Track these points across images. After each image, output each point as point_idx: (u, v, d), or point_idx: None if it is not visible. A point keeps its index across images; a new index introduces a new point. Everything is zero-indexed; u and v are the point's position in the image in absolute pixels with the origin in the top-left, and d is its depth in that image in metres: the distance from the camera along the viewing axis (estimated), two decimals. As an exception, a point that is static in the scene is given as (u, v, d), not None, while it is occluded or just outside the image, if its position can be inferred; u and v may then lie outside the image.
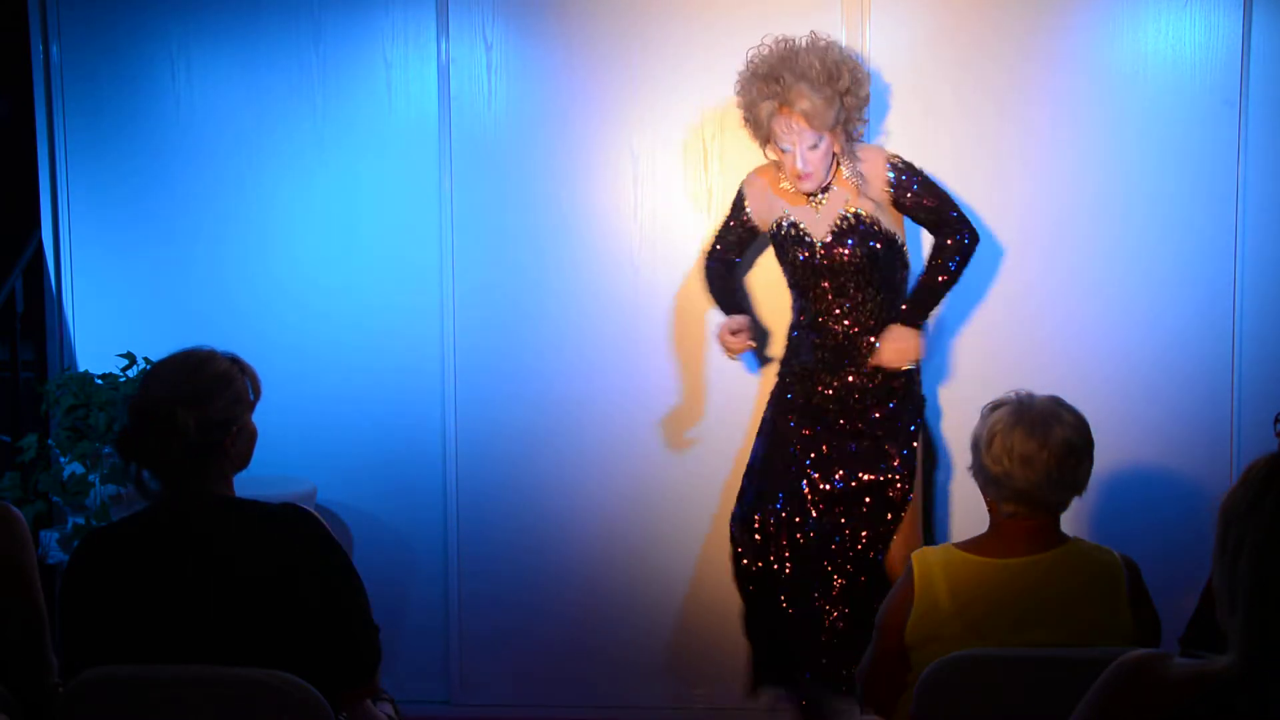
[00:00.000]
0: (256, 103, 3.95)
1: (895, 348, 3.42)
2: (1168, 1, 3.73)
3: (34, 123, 4.01)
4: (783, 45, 3.38)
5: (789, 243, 3.46)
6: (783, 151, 3.37)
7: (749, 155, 3.85)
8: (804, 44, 3.38)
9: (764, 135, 3.41)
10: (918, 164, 3.45)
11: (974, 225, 3.46)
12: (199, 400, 2.18)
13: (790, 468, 3.47)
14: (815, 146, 3.34)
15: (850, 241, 3.39)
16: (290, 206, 3.96)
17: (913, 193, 3.40)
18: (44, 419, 3.91)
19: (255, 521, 2.19)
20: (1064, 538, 2.36)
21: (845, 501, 3.44)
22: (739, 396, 3.87)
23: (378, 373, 3.96)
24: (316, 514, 2.23)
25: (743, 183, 3.59)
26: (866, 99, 3.44)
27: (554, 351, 3.87)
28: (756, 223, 3.56)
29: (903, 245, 3.49)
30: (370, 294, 3.95)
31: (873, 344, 3.43)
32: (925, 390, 3.71)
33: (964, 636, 2.26)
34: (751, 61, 3.40)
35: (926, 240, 3.60)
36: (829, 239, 3.41)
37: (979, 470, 2.36)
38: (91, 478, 3.60)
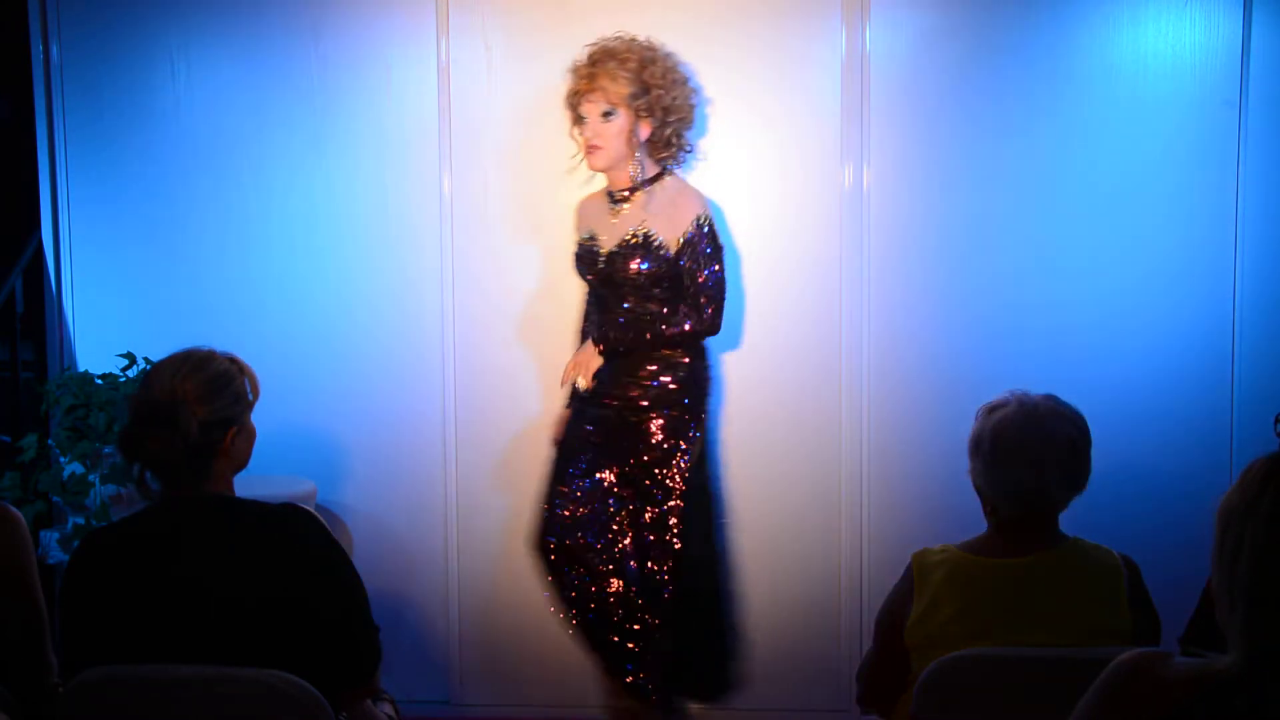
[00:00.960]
0: (256, 103, 3.95)
1: (573, 361, 3.51)
2: (1168, 1, 3.73)
3: (34, 123, 4.01)
4: (615, 37, 3.48)
5: (584, 252, 3.53)
6: (581, 123, 3.46)
7: (747, 153, 3.87)
8: (644, 41, 3.48)
9: (575, 116, 3.50)
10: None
11: (714, 322, 3.44)
12: (201, 400, 2.19)
13: (574, 477, 3.52)
14: (608, 116, 3.41)
15: (637, 258, 3.43)
16: (290, 206, 3.96)
17: (693, 257, 3.42)
18: (44, 419, 3.91)
19: (255, 521, 2.19)
20: (1064, 537, 2.36)
21: (626, 507, 3.49)
22: (723, 400, 3.87)
23: (378, 373, 3.96)
24: (316, 514, 2.24)
25: (575, 213, 3.67)
26: (683, 110, 3.49)
27: (554, 351, 3.86)
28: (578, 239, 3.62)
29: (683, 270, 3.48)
30: (370, 294, 3.95)
31: (655, 357, 3.46)
32: (926, 386, 3.72)
33: (964, 636, 2.26)
34: (578, 58, 3.50)
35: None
36: (615, 250, 3.46)
37: (981, 471, 2.36)
38: (91, 478, 3.60)
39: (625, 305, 3.48)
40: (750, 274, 3.86)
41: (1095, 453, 2.39)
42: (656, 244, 3.44)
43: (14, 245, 4.08)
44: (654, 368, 3.47)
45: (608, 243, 3.49)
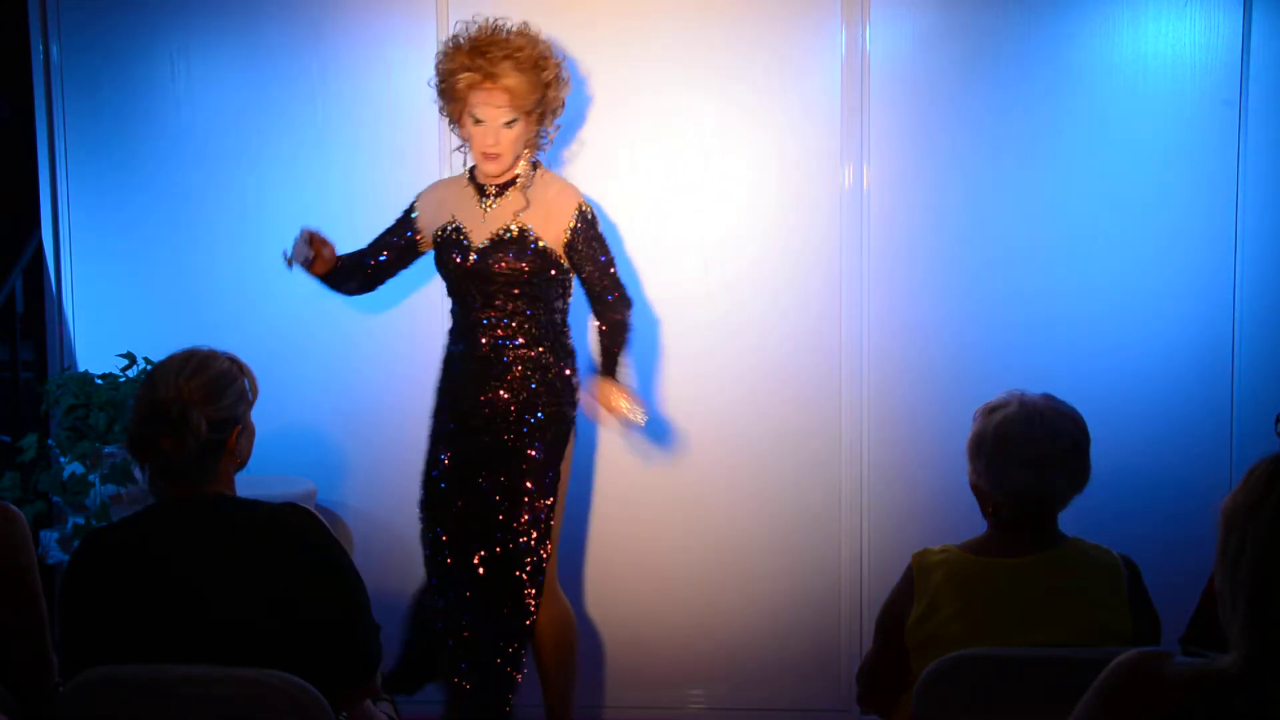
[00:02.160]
0: (256, 103, 3.95)
1: (612, 400, 3.35)
2: (1168, 2, 3.73)
3: (34, 123, 4.01)
4: (493, 25, 3.32)
5: (448, 246, 3.36)
6: (476, 123, 3.30)
7: (745, 151, 3.86)
8: (514, 28, 3.33)
9: (457, 109, 3.34)
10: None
11: (627, 292, 3.38)
12: (207, 400, 2.20)
13: (437, 476, 3.41)
14: (510, 125, 3.28)
15: (510, 254, 3.29)
16: (290, 206, 3.95)
17: (585, 244, 3.33)
18: (44, 419, 3.91)
19: (256, 521, 2.19)
20: (1063, 537, 2.36)
21: (481, 510, 3.34)
22: (719, 404, 3.87)
23: (378, 372, 3.97)
24: (317, 514, 2.24)
25: (417, 195, 3.49)
26: (562, 106, 3.40)
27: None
28: (421, 228, 3.43)
29: (566, 275, 3.37)
30: (370, 294, 3.94)
31: (521, 358, 3.31)
32: (926, 386, 3.72)
33: (964, 636, 2.26)
34: (456, 35, 3.35)
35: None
36: (486, 245, 3.31)
37: (982, 471, 2.36)
38: (91, 478, 3.60)
39: (495, 303, 3.31)
40: (750, 274, 3.86)
41: (1095, 453, 2.39)
42: (533, 240, 3.30)
43: (14, 245, 4.08)
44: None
45: (478, 236, 3.33)
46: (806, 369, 3.86)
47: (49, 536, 3.66)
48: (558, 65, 3.35)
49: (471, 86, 3.28)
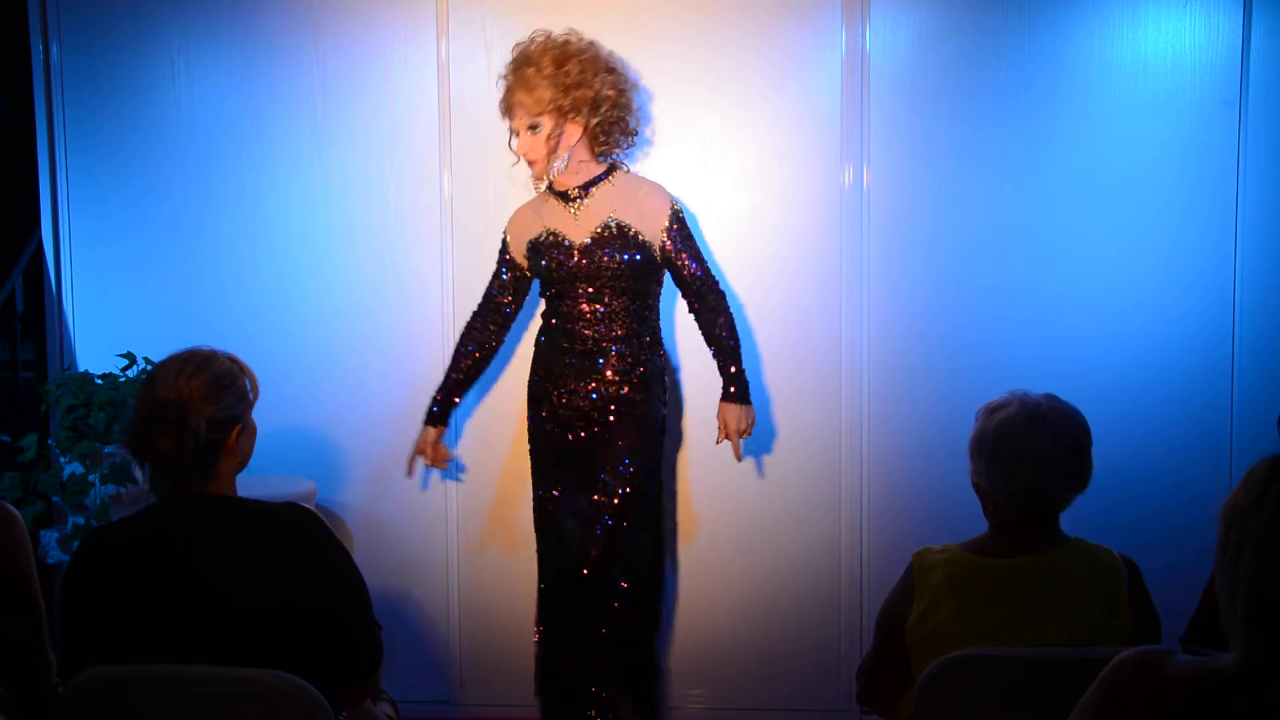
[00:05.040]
0: (256, 103, 3.95)
1: (739, 422, 3.47)
2: (1168, 1, 3.73)
3: (34, 123, 4.01)
4: (542, 36, 3.44)
5: (546, 248, 3.46)
6: (514, 135, 3.46)
7: (745, 151, 3.86)
8: (560, 39, 3.44)
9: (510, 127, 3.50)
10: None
11: (719, 286, 3.48)
12: (207, 399, 2.20)
13: (560, 473, 3.48)
14: (534, 129, 3.40)
15: (609, 250, 3.40)
16: (290, 206, 3.96)
17: (683, 241, 3.43)
18: (44, 419, 3.91)
19: (257, 521, 2.19)
20: (1064, 537, 2.36)
21: (594, 506, 3.42)
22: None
23: (378, 372, 3.96)
24: (318, 514, 2.24)
25: (504, 230, 3.61)
26: (612, 99, 3.42)
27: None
28: (515, 254, 3.55)
29: (661, 269, 3.48)
30: (370, 294, 3.95)
31: (619, 353, 3.42)
32: (926, 386, 3.71)
33: (964, 636, 2.26)
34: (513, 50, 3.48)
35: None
36: (588, 242, 3.42)
37: (984, 471, 2.36)
38: (91, 478, 3.60)
39: (602, 298, 3.42)
40: (750, 274, 3.86)
41: (1095, 453, 2.39)
42: (633, 235, 3.41)
43: (14, 245, 4.08)
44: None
45: (577, 236, 3.44)
46: (806, 368, 3.86)
47: (49, 536, 3.66)
48: (584, 60, 3.40)
49: (506, 100, 3.44)
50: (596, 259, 3.40)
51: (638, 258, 3.40)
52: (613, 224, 3.41)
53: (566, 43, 3.42)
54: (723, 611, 3.90)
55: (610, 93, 3.42)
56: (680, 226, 3.44)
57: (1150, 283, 3.78)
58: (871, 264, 3.82)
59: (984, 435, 2.36)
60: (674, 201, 3.46)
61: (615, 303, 3.43)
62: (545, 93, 3.36)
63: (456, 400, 3.63)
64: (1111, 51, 3.75)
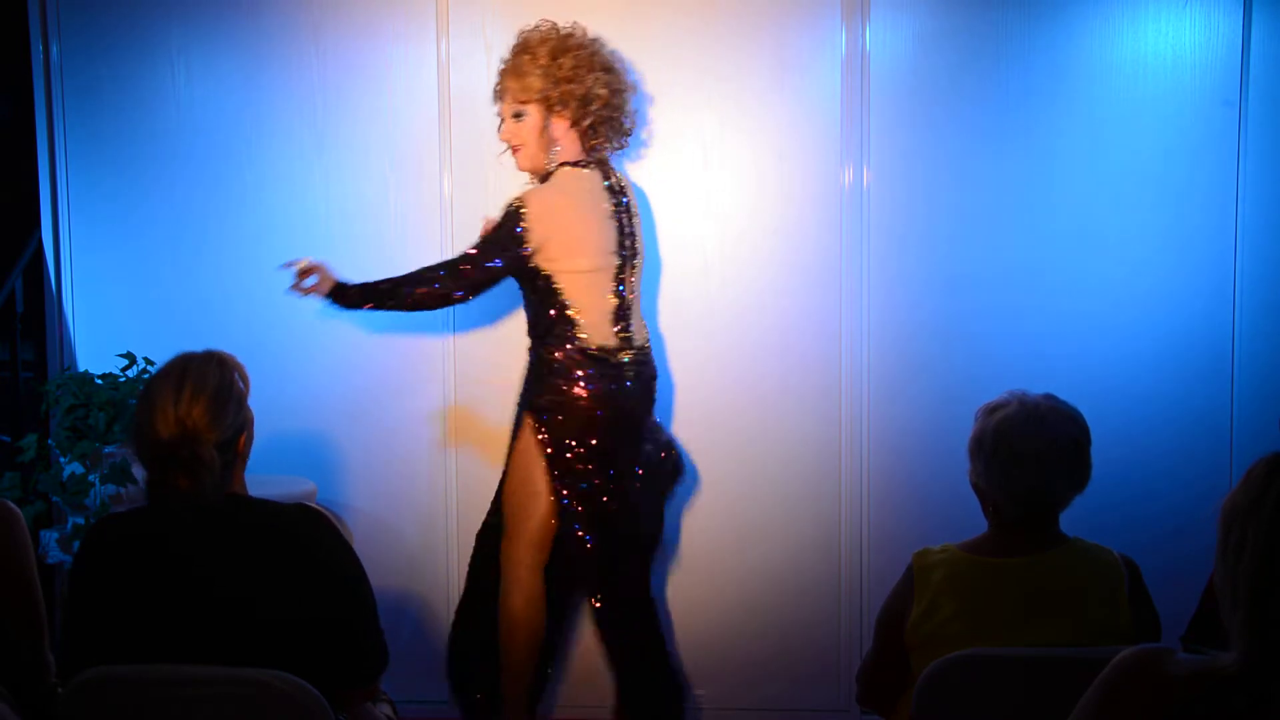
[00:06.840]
0: (256, 103, 3.95)
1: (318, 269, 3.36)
2: (1168, 1, 3.73)
3: (34, 123, 4.01)
4: (547, 25, 3.42)
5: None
6: (501, 120, 3.45)
7: (745, 151, 3.86)
8: (563, 31, 3.41)
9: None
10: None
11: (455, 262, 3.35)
12: (213, 425, 2.16)
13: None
14: (519, 117, 3.38)
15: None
16: (290, 206, 3.96)
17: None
18: (44, 419, 3.91)
19: (266, 521, 2.19)
20: (1064, 537, 2.36)
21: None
22: (718, 403, 3.87)
23: (377, 372, 3.96)
24: (327, 515, 2.23)
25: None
26: (604, 98, 3.37)
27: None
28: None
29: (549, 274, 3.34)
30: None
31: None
32: (927, 386, 3.71)
33: (964, 636, 2.26)
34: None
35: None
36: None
37: (983, 471, 2.36)
38: (91, 478, 3.60)
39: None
40: (750, 273, 3.86)
41: (1095, 453, 2.39)
42: None
43: (14, 245, 4.08)
44: None
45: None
46: (806, 368, 3.86)
47: (49, 536, 3.65)
48: (581, 56, 3.37)
49: (499, 84, 3.44)
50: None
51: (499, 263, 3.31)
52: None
53: (568, 36, 3.40)
54: (723, 611, 3.90)
55: (602, 92, 3.38)
56: (501, 220, 3.31)
57: (1150, 281, 3.78)
58: (871, 264, 3.82)
59: (983, 435, 2.36)
60: (511, 200, 3.32)
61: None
62: (535, 82, 3.34)
63: (362, 288, 3.39)
64: (1111, 51, 3.76)
